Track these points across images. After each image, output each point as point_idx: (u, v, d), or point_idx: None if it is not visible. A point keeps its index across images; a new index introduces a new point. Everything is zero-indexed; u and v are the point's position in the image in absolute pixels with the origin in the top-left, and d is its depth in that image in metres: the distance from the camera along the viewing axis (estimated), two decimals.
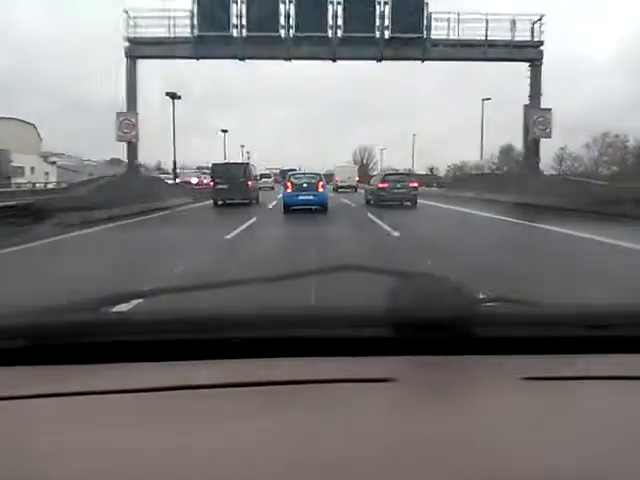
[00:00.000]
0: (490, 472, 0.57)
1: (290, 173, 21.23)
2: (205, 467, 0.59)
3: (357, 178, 44.08)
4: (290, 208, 18.09)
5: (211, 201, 23.10)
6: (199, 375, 0.84)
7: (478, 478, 0.56)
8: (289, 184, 18.95)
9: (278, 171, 62.09)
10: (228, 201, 22.22)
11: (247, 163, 27.65)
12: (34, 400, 0.76)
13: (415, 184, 22.13)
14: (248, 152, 71.05)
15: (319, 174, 20.43)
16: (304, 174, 20.42)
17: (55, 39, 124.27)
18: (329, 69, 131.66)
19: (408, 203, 21.33)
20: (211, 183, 23.94)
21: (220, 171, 23.63)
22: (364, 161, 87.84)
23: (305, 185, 18.73)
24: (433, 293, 0.87)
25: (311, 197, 18.45)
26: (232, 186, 22.43)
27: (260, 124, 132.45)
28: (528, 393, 0.79)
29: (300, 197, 18.38)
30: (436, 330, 0.86)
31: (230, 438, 0.65)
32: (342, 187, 41.65)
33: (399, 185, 21.75)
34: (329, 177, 43.62)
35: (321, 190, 18.69)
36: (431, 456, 0.61)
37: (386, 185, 21.68)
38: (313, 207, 18.11)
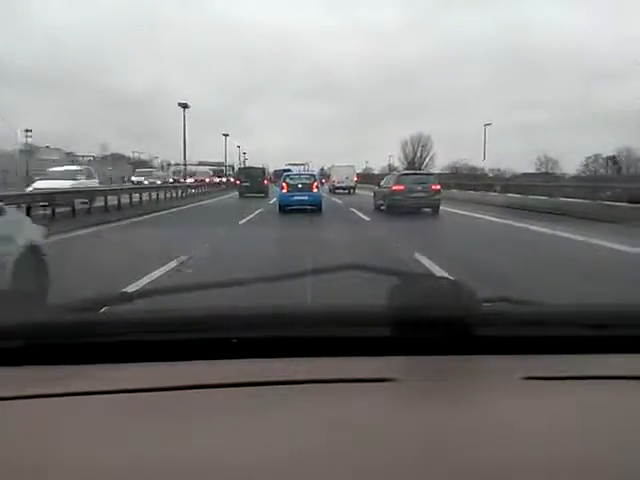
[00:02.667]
0: (490, 471, 0.57)
1: (285, 174, 21.50)
2: (205, 466, 0.58)
3: (355, 178, 42.50)
4: (285, 208, 18.58)
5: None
6: (199, 375, 0.84)
7: (478, 477, 0.56)
8: (284, 185, 19.37)
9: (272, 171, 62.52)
10: (248, 195, 31.47)
11: (263, 168, 38.94)
12: (34, 400, 0.76)
13: (438, 186, 18.40)
14: (245, 153, 78.14)
15: (314, 175, 21.17)
16: (299, 175, 20.98)
17: (60, 29, 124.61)
18: (368, 61, 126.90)
19: (428, 210, 17.76)
20: (237, 182, 35.73)
21: (244, 172, 36.54)
22: (417, 154, 69.34)
23: (300, 186, 19.21)
24: (433, 293, 0.87)
25: (305, 197, 19.01)
26: (253, 183, 32.84)
27: (288, 119, 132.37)
28: (528, 393, 0.78)
29: (295, 197, 18.94)
30: (436, 330, 0.86)
31: (230, 437, 0.65)
32: (339, 188, 39.57)
33: (419, 188, 17.85)
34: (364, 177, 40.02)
35: (315, 190, 19.29)
36: (431, 456, 0.60)
37: (402, 187, 17.86)
38: (308, 207, 18.56)
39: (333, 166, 45.67)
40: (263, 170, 37.37)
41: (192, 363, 0.87)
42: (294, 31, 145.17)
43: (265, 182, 34.39)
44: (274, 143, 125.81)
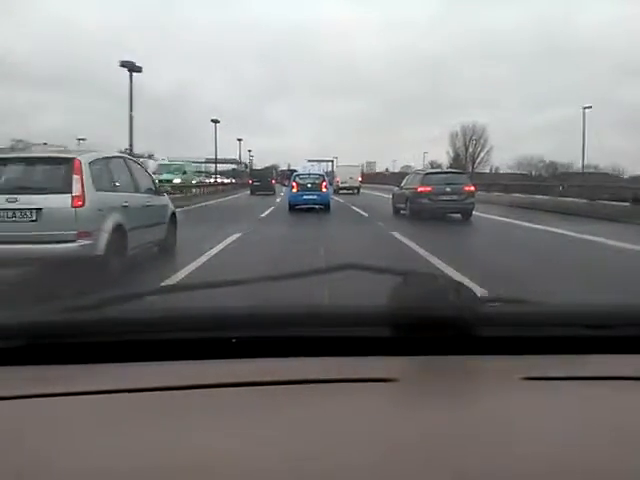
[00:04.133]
0: (490, 472, 0.57)
1: (295, 174, 21.98)
2: (206, 466, 0.58)
3: (360, 178, 42.38)
4: (295, 207, 19.10)
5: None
6: (199, 375, 0.83)
7: (478, 478, 0.56)
8: (294, 184, 19.94)
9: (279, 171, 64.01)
10: (258, 193, 35.92)
11: (272, 169, 46.25)
12: (35, 400, 0.76)
13: (471, 188, 15.34)
14: (252, 155, 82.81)
15: (322, 175, 21.59)
16: (308, 174, 21.40)
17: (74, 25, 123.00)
18: (394, 56, 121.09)
19: (458, 215, 14.93)
20: (250, 181, 40.89)
21: (256, 173, 42.28)
22: (469, 148, 56.97)
23: (309, 185, 19.75)
24: (434, 292, 0.88)
25: (315, 197, 19.55)
26: (262, 182, 37.83)
27: (314, 116, 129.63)
28: (528, 393, 0.78)
29: (304, 197, 19.49)
30: (437, 330, 0.86)
31: (230, 438, 0.65)
32: (343, 188, 39.59)
33: (449, 189, 14.85)
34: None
35: (324, 190, 19.82)
36: (431, 456, 0.60)
37: (429, 189, 14.87)
38: (317, 206, 19.02)
39: (337, 166, 45.64)
40: (271, 171, 44.33)
41: (191, 363, 0.87)
42: (319, 26, 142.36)
43: (273, 181, 39.61)
44: (299, 140, 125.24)
